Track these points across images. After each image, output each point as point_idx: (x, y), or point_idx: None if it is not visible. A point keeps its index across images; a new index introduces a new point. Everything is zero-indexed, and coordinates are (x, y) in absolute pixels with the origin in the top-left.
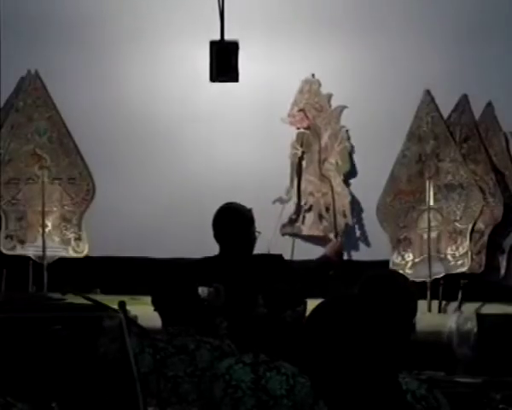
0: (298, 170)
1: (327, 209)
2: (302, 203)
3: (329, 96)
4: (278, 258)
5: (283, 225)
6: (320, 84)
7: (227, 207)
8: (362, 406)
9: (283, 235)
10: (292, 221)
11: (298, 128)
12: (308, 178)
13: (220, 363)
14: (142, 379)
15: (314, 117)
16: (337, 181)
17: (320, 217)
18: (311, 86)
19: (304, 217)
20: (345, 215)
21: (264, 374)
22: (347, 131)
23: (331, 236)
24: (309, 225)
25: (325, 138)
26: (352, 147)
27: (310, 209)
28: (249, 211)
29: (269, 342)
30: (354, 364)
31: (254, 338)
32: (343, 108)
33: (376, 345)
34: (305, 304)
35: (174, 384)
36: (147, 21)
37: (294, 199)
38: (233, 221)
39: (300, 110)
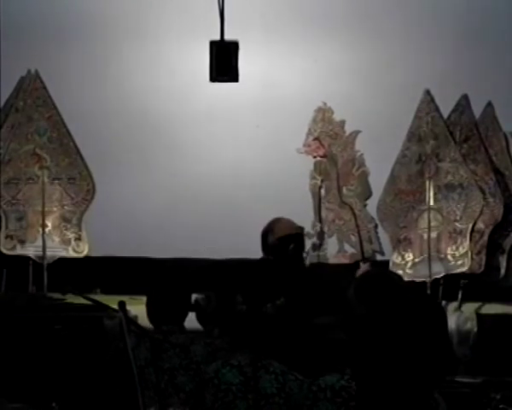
0: (318, 198)
1: (351, 236)
2: (325, 230)
3: (343, 123)
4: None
5: (307, 253)
6: (333, 112)
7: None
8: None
9: (309, 263)
10: (315, 247)
11: (314, 157)
12: (328, 206)
13: (208, 367)
14: (138, 373)
15: (329, 145)
16: (358, 207)
17: (344, 244)
18: (324, 114)
19: (327, 244)
20: (371, 241)
21: (253, 375)
22: (362, 154)
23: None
24: (334, 253)
25: (342, 165)
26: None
27: (332, 236)
28: (303, 229)
29: (255, 337)
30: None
31: (242, 336)
32: (357, 133)
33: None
34: (284, 298)
35: (170, 376)
36: (147, 21)
37: (317, 227)
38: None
39: (315, 139)
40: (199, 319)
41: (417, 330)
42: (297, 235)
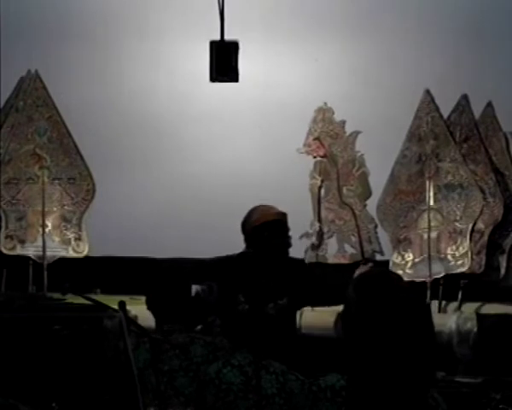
0: (318, 198)
1: (351, 237)
2: (324, 231)
3: (343, 123)
4: (300, 263)
5: (305, 251)
6: (333, 112)
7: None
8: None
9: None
10: (314, 247)
11: (314, 157)
12: (328, 206)
13: (208, 368)
14: (137, 375)
15: (330, 145)
16: (358, 207)
17: (344, 244)
18: (324, 114)
19: (327, 245)
20: (370, 241)
21: (253, 375)
22: (363, 155)
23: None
24: (333, 253)
25: (342, 165)
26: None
27: (332, 237)
28: (284, 215)
29: (256, 336)
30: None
31: (243, 335)
32: (358, 133)
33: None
34: (287, 298)
35: (170, 378)
36: (147, 21)
37: (316, 226)
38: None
39: (316, 139)
40: (200, 310)
41: (415, 329)
42: (274, 222)
